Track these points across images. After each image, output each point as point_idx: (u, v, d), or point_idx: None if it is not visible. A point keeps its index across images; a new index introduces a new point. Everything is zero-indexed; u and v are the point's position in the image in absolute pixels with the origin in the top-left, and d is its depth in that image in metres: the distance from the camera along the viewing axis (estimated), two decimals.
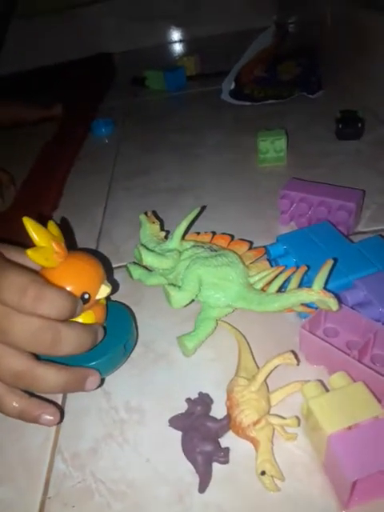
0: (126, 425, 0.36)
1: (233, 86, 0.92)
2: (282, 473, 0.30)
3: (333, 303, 0.34)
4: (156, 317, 0.46)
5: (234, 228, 0.54)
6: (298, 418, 0.32)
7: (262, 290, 0.41)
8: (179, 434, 0.34)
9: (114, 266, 0.54)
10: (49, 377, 0.32)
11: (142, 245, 0.46)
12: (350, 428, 0.29)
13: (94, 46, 1.39)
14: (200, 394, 0.36)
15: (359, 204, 0.51)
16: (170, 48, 1.43)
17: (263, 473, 0.30)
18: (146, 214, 0.51)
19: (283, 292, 0.38)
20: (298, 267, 0.40)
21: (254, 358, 0.38)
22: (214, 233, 0.47)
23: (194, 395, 0.36)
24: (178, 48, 1.43)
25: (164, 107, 1.01)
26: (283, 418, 0.32)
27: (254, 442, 0.32)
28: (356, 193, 0.51)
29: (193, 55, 1.12)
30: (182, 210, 0.59)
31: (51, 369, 0.32)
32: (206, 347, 0.41)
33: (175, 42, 1.47)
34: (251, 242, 0.48)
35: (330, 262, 0.36)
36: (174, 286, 0.41)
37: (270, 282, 0.40)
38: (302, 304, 0.37)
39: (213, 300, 0.41)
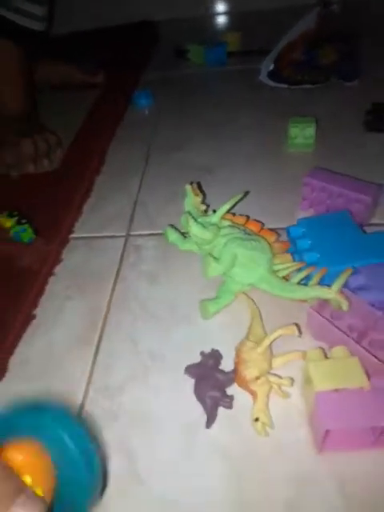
0: (149, 369, 0.43)
1: (271, 67, 0.94)
2: (273, 423, 0.37)
3: (345, 305, 0.40)
4: (181, 283, 0.52)
5: (256, 208, 0.59)
6: (292, 379, 0.38)
7: (284, 278, 0.46)
8: (192, 380, 0.41)
9: (147, 233, 0.60)
10: None
11: (189, 213, 0.51)
12: (337, 390, 0.35)
13: (139, 13, 1.41)
14: (212, 349, 0.42)
15: (375, 198, 0.55)
16: (214, 20, 1.43)
17: (257, 420, 0.37)
18: (191, 184, 0.55)
19: (303, 284, 0.44)
20: (317, 264, 0.45)
21: (263, 327, 0.44)
22: (247, 217, 0.53)
23: (207, 351, 0.42)
24: (222, 21, 1.43)
25: (203, 82, 1.04)
26: (281, 377, 0.38)
27: (254, 394, 0.38)
28: (373, 187, 0.55)
29: (237, 31, 1.13)
30: (211, 188, 0.64)
31: None
32: (221, 314, 0.47)
33: (220, 14, 1.47)
34: (278, 234, 0.53)
35: (350, 270, 0.42)
36: (213, 257, 0.47)
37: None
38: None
39: (239, 277, 0.47)
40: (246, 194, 0.61)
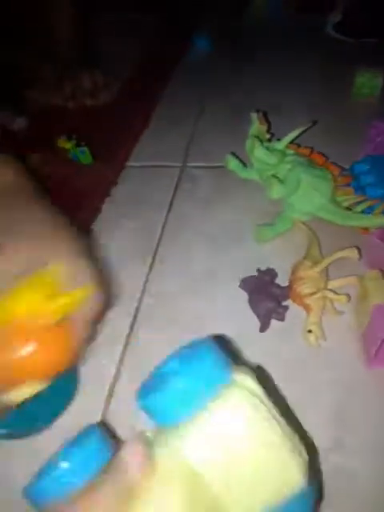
0: (203, 283, 0.44)
1: (339, 18, 0.91)
2: (325, 336, 0.38)
3: None
4: (238, 210, 0.53)
5: (320, 148, 0.58)
6: (348, 295, 0.38)
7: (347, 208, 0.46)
8: (246, 296, 0.41)
9: (204, 164, 0.61)
10: None
11: (256, 137, 0.51)
12: None
13: None
14: (268, 268, 0.43)
15: None
16: None
17: (310, 331, 0.37)
18: (257, 112, 0.55)
19: (366, 214, 0.43)
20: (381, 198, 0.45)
21: (320, 251, 0.44)
22: (312, 149, 0.52)
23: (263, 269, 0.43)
24: None
25: (265, 31, 1.01)
26: (337, 294, 0.39)
27: (308, 308, 0.39)
28: None
29: None
30: (274, 125, 0.63)
31: None
32: (278, 239, 0.48)
33: None
34: (342, 168, 0.52)
35: None
36: (278, 179, 0.47)
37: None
38: None
39: (299, 204, 0.47)
40: (314, 123, 0.59)
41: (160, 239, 0.50)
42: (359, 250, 0.41)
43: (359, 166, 0.50)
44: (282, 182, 0.46)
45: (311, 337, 0.37)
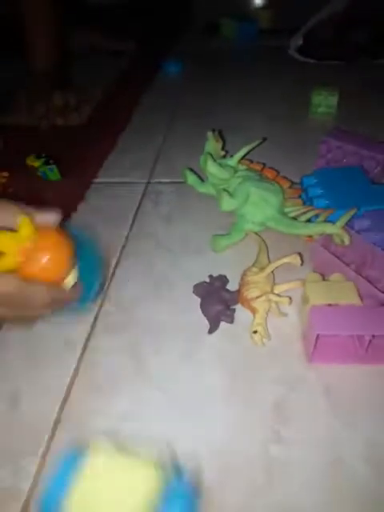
0: (160, 289, 0.47)
1: (301, 42, 0.96)
2: (270, 335, 0.40)
3: (346, 238, 0.43)
4: (196, 223, 0.55)
5: (274, 163, 0.61)
6: (290, 298, 0.41)
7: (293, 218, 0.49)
8: (198, 299, 0.44)
9: (168, 180, 0.64)
10: (37, 295, 0.34)
11: (209, 154, 0.54)
12: (330, 305, 0.37)
13: None
14: (220, 274, 0.45)
15: None
16: None
17: (255, 332, 0.40)
18: (213, 131, 0.58)
19: (310, 223, 0.47)
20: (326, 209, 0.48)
21: (268, 258, 0.47)
22: (264, 164, 0.55)
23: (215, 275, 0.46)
24: None
25: (232, 56, 1.06)
26: (281, 297, 0.41)
27: (254, 310, 0.41)
28: None
29: (268, 8, 1.15)
30: (233, 146, 0.67)
31: (39, 289, 0.34)
32: (231, 249, 0.50)
33: None
34: (292, 182, 0.55)
35: (354, 210, 0.44)
36: (228, 192, 0.50)
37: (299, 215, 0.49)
38: None
39: (250, 215, 0.50)
40: (264, 140, 0.63)
41: (122, 251, 0.53)
42: (302, 256, 0.44)
43: (308, 179, 0.54)
44: (231, 195, 0.49)
45: (256, 337, 0.40)
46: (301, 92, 0.82)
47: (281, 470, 0.32)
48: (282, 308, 0.42)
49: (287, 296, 0.41)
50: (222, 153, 0.57)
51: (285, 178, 0.54)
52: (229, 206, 0.49)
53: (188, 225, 0.55)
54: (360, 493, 0.31)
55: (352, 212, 0.45)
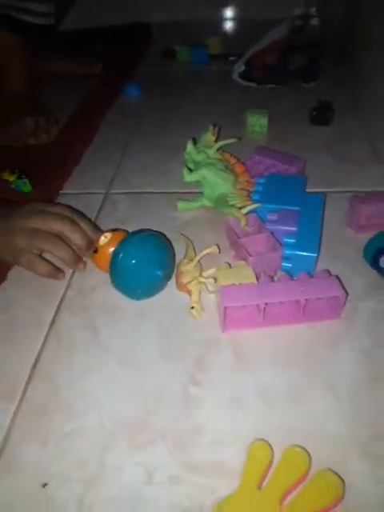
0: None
1: (242, 68, 1.10)
2: (203, 309, 0.52)
3: (243, 222, 0.57)
4: (148, 224, 0.67)
5: None
6: (215, 279, 0.53)
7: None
8: None
9: (124, 191, 0.76)
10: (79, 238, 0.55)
11: (193, 139, 0.69)
12: (234, 285, 0.50)
13: (136, 15, 1.57)
14: None
15: (300, 169, 0.70)
16: (200, 24, 1.59)
17: (192, 308, 0.52)
18: (214, 126, 0.72)
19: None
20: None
21: (194, 251, 0.59)
22: (237, 159, 0.71)
23: None
24: (208, 25, 1.59)
25: (186, 79, 1.19)
26: (207, 279, 0.54)
27: (190, 292, 0.53)
28: (299, 161, 0.70)
29: (217, 37, 1.29)
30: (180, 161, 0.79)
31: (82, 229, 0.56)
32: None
33: (206, 19, 1.63)
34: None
35: (258, 204, 0.59)
36: (190, 170, 0.67)
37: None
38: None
39: (206, 192, 0.67)
40: (239, 139, 0.76)
41: None
42: (219, 246, 0.57)
43: (259, 179, 0.66)
44: (190, 171, 0.66)
45: (194, 312, 0.52)
46: (241, 114, 0.94)
47: (196, 404, 0.44)
48: (210, 288, 0.55)
49: (212, 278, 0.54)
50: (213, 143, 0.70)
51: (245, 172, 0.69)
52: (187, 178, 0.66)
53: (141, 225, 0.66)
54: (251, 420, 0.43)
55: (256, 205, 0.59)
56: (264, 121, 0.87)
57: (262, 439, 0.39)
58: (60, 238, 0.56)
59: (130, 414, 0.43)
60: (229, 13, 1.64)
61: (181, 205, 0.69)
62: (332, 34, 1.35)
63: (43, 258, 0.57)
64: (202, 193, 0.69)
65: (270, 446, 0.39)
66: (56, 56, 1.23)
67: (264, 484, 0.36)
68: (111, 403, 0.44)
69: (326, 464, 0.38)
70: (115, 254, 0.51)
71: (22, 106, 0.93)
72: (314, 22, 1.50)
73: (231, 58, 1.19)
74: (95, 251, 0.55)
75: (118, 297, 0.55)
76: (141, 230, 0.55)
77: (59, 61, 1.23)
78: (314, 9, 1.51)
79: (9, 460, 0.41)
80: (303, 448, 0.38)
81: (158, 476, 0.39)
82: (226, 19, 1.65)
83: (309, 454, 0.38)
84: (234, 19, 1.65)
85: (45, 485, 0.38)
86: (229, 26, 1.61)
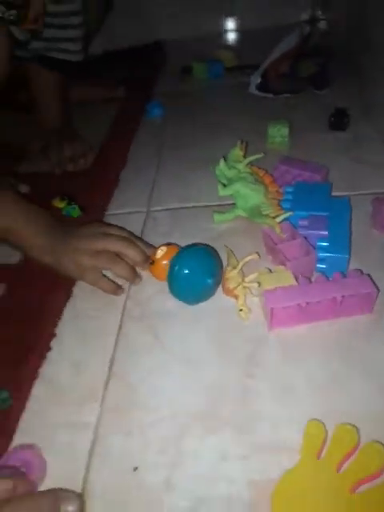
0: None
1: (259, 80, 1.17)
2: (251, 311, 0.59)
3: (278, 229, 0.64)
4: (191, 237, 0.74)
5: None
6: (259, 283, 0.60)
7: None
8: None
9: (162, 208, 0.83)
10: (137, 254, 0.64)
11: (225, 160, 0.76)
12: (276, 288, 0.57)
13: (150, 35, 1.64)
14: None
15: (323, 176, 0.77)
16: (214, 39, 1.66)
17: (241, 310, 0.59)
18: (241, 142, 0.80)
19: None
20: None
21: (236, 259, 0.66)
22: (266, 171, 0.77)
23: None
24: (222, 39, 1.66)
25: (205, 94, 1.26)
26: (250, 283, 0.60)
27: (236, 296, 0.60)
28: (323, 169, 0.77)
29: (228, 50, 1.36)
30: (211, 174, 0.86)
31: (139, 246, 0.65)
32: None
33: (220, 33, 1.70)
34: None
35: (291, 212, 0.66)
36: (224, 185, 0.74)
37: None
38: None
39: (240, 204, 0.74)
40: (265, 155, 0.81)
41: None
42: (259, 254, 0.63)
43: (288, 188, 0.72)
44: (224, 186, 0.73)
45: (242, 314, 0.59)
46: (260, 124, 1.00)
47: (253, 394, 0.51)
48: (254, 292, 0.61)
49: (256, 282, 0.60)
50: (242, 158, 0.77)
51: (274, 182, 0.75)
52: (221, 193, 0.73)
53: (185, 240, 0.72)
54: (303, 405, 0.49)
55: (288, 214, 0.66)
56: (285, 131, 0.93)
57: (316, 419, 0.46)
58: (120, 257, 0.63)
59: (198, 406, 0.51)
60: (233, 24, 1.71)
61: (217, 217, 0.76)
62: (337, 38, 1.40)
63: (104, 276, 0.65)
64: (234, 204, 0.76)
65: (323, 424, 0.45)
66: (77, 83, 1.31)
67: (321, 456, 0.43)
68: (180, 397, 0.52)
69: (372, 438, 0.44)
70: (172, 266, 0.59)
71: (62, 135, 1.02)
72: (322, 25, 1.56)
73: (247, 70, 1.26)
74: (152, 263, 0.63)
75: (171, 303, 0.63)
76: (193, 244, 0.63)
77: (81, 87, 1.31)
78: (320, 12, 1.56)
79: (101, 450, 0.48)
80: (352, 424, 0.45)
81: (230, 457, 0.46)
82: (233, 30, 1.72)
83: (357, 429, 0.44)
84: (236, 31, 1.72)
85: (135, 468, 0.46)
86: (236, 37, 1.67)
